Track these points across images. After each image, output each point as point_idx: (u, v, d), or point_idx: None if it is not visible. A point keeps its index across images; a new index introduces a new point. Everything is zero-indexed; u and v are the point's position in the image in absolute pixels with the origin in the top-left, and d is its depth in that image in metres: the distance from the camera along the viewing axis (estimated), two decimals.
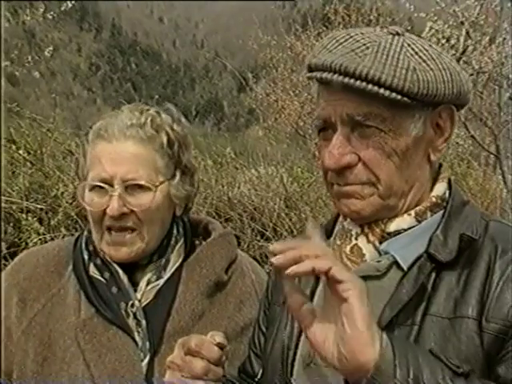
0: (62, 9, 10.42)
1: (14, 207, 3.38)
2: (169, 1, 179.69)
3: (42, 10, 9.31)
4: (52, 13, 9.82)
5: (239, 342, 1.34)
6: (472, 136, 6.25)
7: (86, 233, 1.40)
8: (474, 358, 0.94)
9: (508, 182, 5.71)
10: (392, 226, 1.07)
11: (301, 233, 4.13)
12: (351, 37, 1.03)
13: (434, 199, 1.09)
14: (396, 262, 1.05)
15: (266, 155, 5.98)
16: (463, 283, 1.00)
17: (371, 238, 1.08)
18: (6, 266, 3.15)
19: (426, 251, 1.02)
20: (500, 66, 6.32)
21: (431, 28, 7.00)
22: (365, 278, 1.00)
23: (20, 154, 3.88)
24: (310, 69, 1.07)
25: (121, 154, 1.27)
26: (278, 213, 4.04)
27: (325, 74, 1.01)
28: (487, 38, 6.72)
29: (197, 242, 1.43)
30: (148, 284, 1.34)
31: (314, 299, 1.10)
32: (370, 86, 0.98)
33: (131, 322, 1.30)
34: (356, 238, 1.10)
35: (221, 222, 2.15)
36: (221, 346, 1.07)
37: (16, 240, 3.30)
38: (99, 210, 1.27)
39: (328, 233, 1.19)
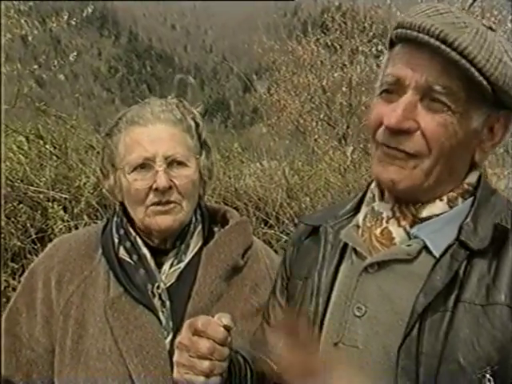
0: (84, 15, 10.43)
1: (42, 196, 3.38)
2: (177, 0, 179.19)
3: (66, 17, 9.30)
4: (75, 19, 9.82)
5: (255, 322, 1.32)
6: None
7: (115, 218, 1.39)
8: (508, 344, 0.88)
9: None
10: (424, 212, 0.99)
11: None
12: (452, 12, 0.94)
13: (466, 186, 1.01)
14: (426, 247, 0.97)
15: (269, 150, 5.96)
16: (494, 270, 0.92)
17: (402, 222, 1.00)
18: (34, 249, 3.18)
19: (457, 239, 0.95)
20: None
21: None
22: (395, 261, 0.97)
23: (47, 149, 3.87)
24: (402, 26, 0.96)
25: (158, 135, 1.28)
26: (281, 203, 4.03)
27: (421, 35, 0.91)
28: None
29: (215, 229, 1.42)
30: (171, 267, 1.33)
31: (337, 276, 1.05)
32: (463, 61, 0.89)
33: (156, 302, 1.29)
34: (387, 222, 1.02)
35: None
36: (227, 328, 1.02)
37: (43, 226, 3.30)
38: (145, 187, 1.27)
39: (355, 206, 1.13)
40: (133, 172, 1.29)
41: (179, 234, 1.35)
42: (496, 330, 0.88)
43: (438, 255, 0.95)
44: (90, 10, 10.39)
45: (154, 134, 1.28)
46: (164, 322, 1.28)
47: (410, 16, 0.95)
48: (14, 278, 3.05)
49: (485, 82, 0.91)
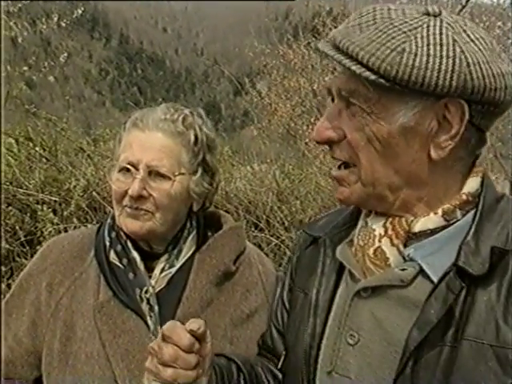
0: (74, 16, 10.39)
1: (31, 199, 3.36)
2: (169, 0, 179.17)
3: (56, 18, 9.26)
4: (65, 20, 9.78)
5: (245, 328, 1.32)
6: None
7: (109, 220, 1.39)
8: None
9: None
10: (417, 226, 0.91)
11: (291, 224, 4.14)
12: (374, 10, 0.88)
13: (464, 196, 0.91)
14: (423, 271, 0.89)
15: (259, 153, 5.96)
16: (504, 301, 0.80)
17: (395, 240, 0.92)
18: (23, 252, 3.16)
19: (454, 263, 0.84)
20: None
21: None
22: (388, 286, 0.91)
23: (36, 151, 3.85)
24: None
25: (150, 143, 1.27)
26: (271, 206, 4.03)
27: (320, 44, 0.91)
28: None
29: (209, 234, 1.41)
30: (162, 272, 1.32)
31: (336, 294, 1.00)
32: (346, 61, 0.85)
33: (145, 306, 1.28)
34: (379, 240, 0.93)
35: None
36: (194, 334, 0.93)
37: (32, 229, 3.29)
38: (122, 189, 1.28)
39: (354, 215, 1.05)
40: (119, 172, 1.30)
41: (172, 238, 1.34)
42: (506, 376, 0.78)
43: (435, 281, 0.86)
44: (79, 12, 10.33)
45: (145, 141, 1.27)
46: (152, 326, 1.27)
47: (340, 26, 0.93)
48: (1, 281, 3.03)
49: (373, 77, 0.83)
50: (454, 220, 0.91)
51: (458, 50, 0.83)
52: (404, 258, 0.91)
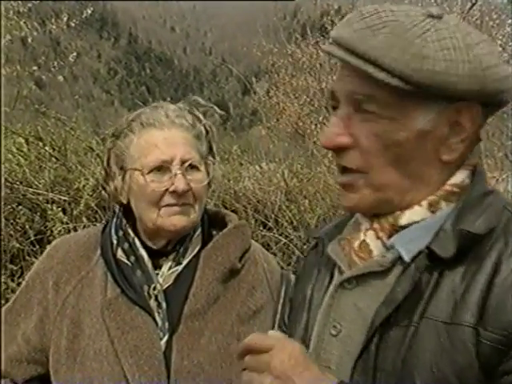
0: (84, 16, 10.43)
1: (41, 198, 3.38)
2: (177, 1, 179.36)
3: (65, 18, 9.31)
4: (74, 20, 9.83)
5: (252, 325, 1.33)
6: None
7: (115, 220, 1.40)
8: (469, 369, 0.78)
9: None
10: (403, 219, 0.90)
11: (300, 223, 4.13)
12: (377, 12, 0.85)
13: (448, 187, 0.90)
14: (401, 258, 0.88)
15: (268, 153, 5.96)
16: (466, 284, 0.82)
17: (380, 233, 0.92)
18: (33, 251, 3.18)
19: (427, 246, 0.85)
20: None
21: None
22: (371, 275, 0.91)
23: (46, 150, 3.87)
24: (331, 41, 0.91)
25: (175, 139, 1.30)
26: (279, 205, 4.03)
27: (331, 48, 0.87)
28: None
29: (214, 233, 1.43)
30: (169, 269, 1.34)
31: (325, 295, 0.99)
32: (366, 66, 0.82)
33: (152, 303, 1.30)
34: (365, 234, 0.94)
35: None
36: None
37: (42, 228, 3.30)
38: (161, 189, 1.29)
39: (352, 215, 1.04)
40: (149, 174, 1.30)
41: (188, 230, 1.36)
42: (457, 352, 0.79)
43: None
44: (89, 12, 10.38)
45: (170, 137, 1.30)
46: (160, 323, 1.29)
47: (337, 27, 0.90)
48: (12, 280, 3.05)
49: (395, 81, 0.81)
50: (439, 211, 0.90)
51: (471, 53, 0.83)
52: (387, 248, 0.91)
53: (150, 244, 1.36)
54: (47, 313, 1.35)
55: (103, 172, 1.42)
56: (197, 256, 1.36)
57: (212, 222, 1.45)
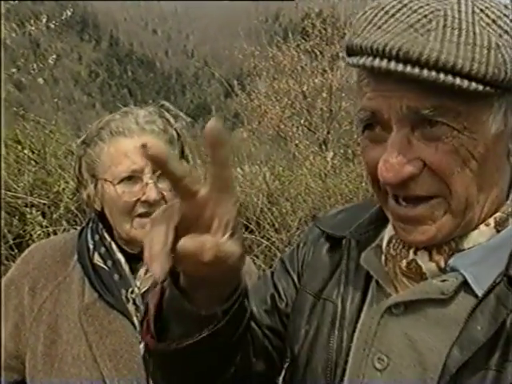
0: (63, 17, 10.33)
1: (20, 202, 3.35)
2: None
3: (44, 20, 9.20)
4: (54, 22, 9.73)
5: None
6: None
7: (91, 224, 1.40)
8: None
9: None
10: (466, 243, 0.76)
11: (282, 225, 4.14)
12: (405, 5, 0.70)
13: None
14: (467, 283, 0.74)
15: (250, 155, 5.98)
16: None
17: (436, 256, 0.77)
18: (12, 255, 3.14)
19: (505, 274, 0.71)
20: None
21: None
22: (426, 301, 0.76)
23: (25, 154, 3.84)
24: (352, 52, 0.75)
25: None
26: (261, 208, 4.04)
27: (377, 62, 0.69)
28: None
29: None
30: (146, 272, 1.33)
31: (364, 304, 0.85)
32: (442, 76, 0.66)
33: (130, 307, 1.30)
34: (415, 253, 0.79)
35: None
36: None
37: (21, 232, 3.28)
38: (133, 199, 1.27)
39: (381, 215, 0.87)
40: (120, 184, 1.28)
41: None
42: None
43: (480, 295, 0.72)
44: (68, 13, 10.28)
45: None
46: (138, 326, 1.28)
47: (357, 33, 0.74)
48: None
49: (481, 87, 0.68)
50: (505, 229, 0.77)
51: None
52: (444, 271, 0.77)
53: (126, 248, 1.36)
54: (23, 319, 1.33)
55: (75, 179, 1.41)
56: None
57: None
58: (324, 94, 10.41)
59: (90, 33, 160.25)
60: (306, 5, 12.00)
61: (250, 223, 3.90)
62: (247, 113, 11.66)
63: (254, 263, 2.88)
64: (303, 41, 11.23)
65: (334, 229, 0.95)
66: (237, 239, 0.66)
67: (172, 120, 1.36)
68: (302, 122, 10.22)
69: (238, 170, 5.10)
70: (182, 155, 1.38)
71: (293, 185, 4.68)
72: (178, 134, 1.36)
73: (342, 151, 8.20)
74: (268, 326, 0.96)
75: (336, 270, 0.91)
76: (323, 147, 9.03)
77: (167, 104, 1.40)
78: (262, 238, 3.75)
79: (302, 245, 1.01)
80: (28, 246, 3.07)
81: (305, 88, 10.45)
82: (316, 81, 10.53)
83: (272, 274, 1.03)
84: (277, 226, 3.97)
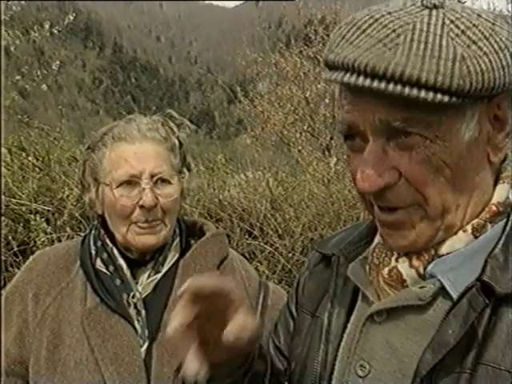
0: (66, 22, 10.40)
1: (24, 209, 3.35)
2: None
3: (47, 26, 9.26)
4: (57, 27, 9.80)
5: None
6: None
7: (93, 231, 1.41)
8: None
9: None
10: (444, 249, 0.78)
11: (285, 231, 4.14)
12: (376, 20, 0.72)
13: (493, 208, 0.79)
14: (444, 289, 0.76)
15: (253, 161, 5.98)
16: None
17: (415, 262, 0.79)
18: (16, 262, 3.15)
19: (478, 278, 0.72)
20: None
21: None
22: (406, 308, 0.78)
23: (29, 161, 3.85)
24: (329, 66, 0.77)
25: (145, 153, 1.31)
26: (265, 214, 4.03)
27: (347, 77, 0.72)
28: None
29: (192, 242, 1.44)
30: (148, 278, 1.35)
31: (350, 318, 0.87)
32: (407, 90, 0.69)
33: (132, 311, 1.31)
34: (396, 260, 0.81)
35: (212, 222, 2.16)
36: None
37: (25, 239, 3.28)
38: (131, 204, 1.29)
39: (371, 230, 0.92)
40: (118, 188, 1.30)
41: (158, 247, 1.37)
42: None
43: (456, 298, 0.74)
44: (71, 18, 10.36)
45: (140, 152, 1.31)
46: (139, 330, 1.30)
47: (332, 50, 0.75)
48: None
49: (446, 98, 0.70)
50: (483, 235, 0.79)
51: (498, 39, 0.72)
52: (423, 278, 0.79)
53: (127, 254, 1.37)
54: (27, 325, 1.35)
55: (79, 184, 1.44)
56: (175, 265, 1.37)
57: (190, 232, 1.47)
58: (327, 100, 10.44)
59: (93, 40, 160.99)
60: (309, 11, 12.03)
61: (254, 229, 3.90)
62: (250, 119, 11.70)
63: (257, 269, 2.89)
64: (306, 47, 11.28)
65: (327, 249, 0.97)
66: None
67: (175, 129, 1.38)
68: (305, 127, 10.24)
69: (242, 176, 5.11)
70: (184, 163, 1.40)
71: (296, 191, 4.68)
72: (180, 143, 1.38)
73: (345, 157, 8.22)
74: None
75: (328, 287, 0.93)
76: (326, 153, 9.04)
77: (172, 112, 1.42)
78: (266, 243, 3.75)
79: (303, 270, 1.05)
80: (32, 252, 3.08)
81: (308, 94, 10.48)
82: (319, 86, 10.56)
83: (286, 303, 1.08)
84: (280, 231, 3.96)
